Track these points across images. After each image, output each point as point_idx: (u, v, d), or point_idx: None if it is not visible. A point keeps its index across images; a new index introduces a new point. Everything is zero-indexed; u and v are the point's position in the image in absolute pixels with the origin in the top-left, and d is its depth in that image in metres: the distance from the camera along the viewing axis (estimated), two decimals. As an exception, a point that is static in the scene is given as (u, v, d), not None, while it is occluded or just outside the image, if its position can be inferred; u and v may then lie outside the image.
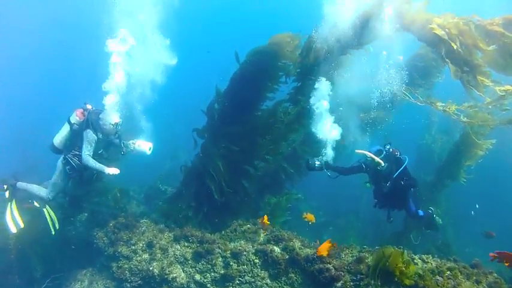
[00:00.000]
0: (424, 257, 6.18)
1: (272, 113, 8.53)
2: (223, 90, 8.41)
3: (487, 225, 10.56)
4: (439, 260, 6.05)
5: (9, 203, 7.13)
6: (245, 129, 8.39)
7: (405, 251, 5.65)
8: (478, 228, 10.27)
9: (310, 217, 7.71)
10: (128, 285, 6.79)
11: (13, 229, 6.97)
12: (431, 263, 5.94)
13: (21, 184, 7.22)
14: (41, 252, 8.24)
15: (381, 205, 7.61)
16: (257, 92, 8.32)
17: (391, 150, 7.32)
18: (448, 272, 5.44)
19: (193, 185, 8.47)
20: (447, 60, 6.78)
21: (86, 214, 8.69)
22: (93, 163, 6.55)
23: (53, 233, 7.41)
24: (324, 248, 5.99)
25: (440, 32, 6.61)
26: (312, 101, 7.91)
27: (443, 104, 7.78)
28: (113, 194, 8.75)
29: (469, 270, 5.55)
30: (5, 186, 7.15)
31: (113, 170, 6.60)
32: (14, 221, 7.05)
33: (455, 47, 6.50)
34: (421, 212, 7.72)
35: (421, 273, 5.30)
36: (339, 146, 10.59)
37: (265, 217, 7.38)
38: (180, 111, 26.81)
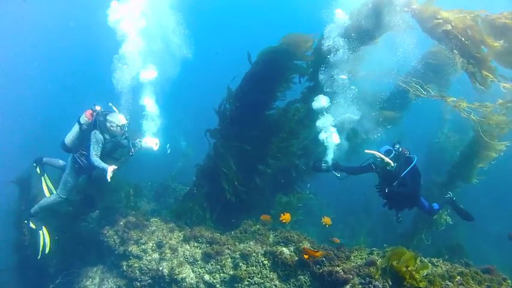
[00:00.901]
0: (434, 260, 6.11)
1: (284, 112, 8.52)
2: (235, 90, 8.40)
3: (500, 226, 10.45)
4: (449, 264, 5.96)
5: (41, 231, 7.48)
6: (257, 129, 8.41)
7: (419, 255, 5.58)
8: (491, 229, 10.15)
9: (327, 221, 7.78)
10: (138, 284, 6.86)
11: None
12: (441, 267, 5.87)
13: (34, 209, 7.43)
14: (54, 249, 8.40)
15: (390, 206, 7.52)
16: (269, 91, 8.32)
17: (400, 149, 7.21)
18: (459, 277, 5.35)
19: (205, 184, 8.51)
20: (455, 51, 6.75)
21: (98, 211, 8.83)
22: (98, 163, 6.61)
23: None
24: (311, 253, 6.06)
25: (447, 28, 6.55)
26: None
27: (454, 99, 7.71)
28: (126, 192, 8.85)
29: (481, 276, 5.39)
30: (25, 221, 7.59)
31: (110, 170, 6.48)
32: (44, 244, 7.47)
33: (463, 39, 6.44)
34: (436, 205, 7.63)
35: (431, 278, 5.24)
36: (352, 143, 10.66)
37: (288, 214, 7.46)
38: (190, 107, 26.89)
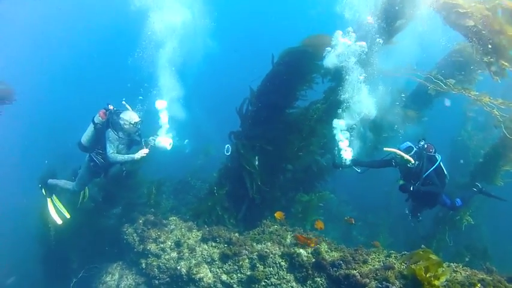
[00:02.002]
0: (453, 265, 5.96)
1: (304, 111, 8.48)
2: (256, 90, 8.42)
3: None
4: (469, 270, 5.79)
5: (49, 199, 7.80)
6: (278, 128, 8.41)
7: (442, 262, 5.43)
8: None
9: (351, 220, 8.03)
10: (157, 282, 7.01)
11: (59, 221, 7.63)
12: (461, 273, 5.68)
13: (51, 181, 7.82)
14: (78, 244, 8.65)
15: (412, 198, 7.38)
16: (290, 92, 8.32)
17: (425, 146, 7.04)
18: (479, 285, 5.19)
19: (226, 184, 8.56)
20: (474, 39, 6.70)
21: (119, 208, 9.03)
22: (120, 158, 6.90)
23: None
24: (303, 240, 6.55)
25: (469, 23, 6.45)
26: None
27: (476, 93, 7.53)
28: (149, 190, 9.01)
29: (505, 285, 5.10)
30: (40, 185, 7.84)
31: (141, 153, 6.92)
32: (59, 213, 7.74)
33: (479, 27, 6.41)
34: (458, 201, 7.48)
35: (450, 285, 5.11)
36: (374, 140, 10.54)
37: (319, 222, 7.55)
38: (212, 105, 26.89)
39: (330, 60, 7.51)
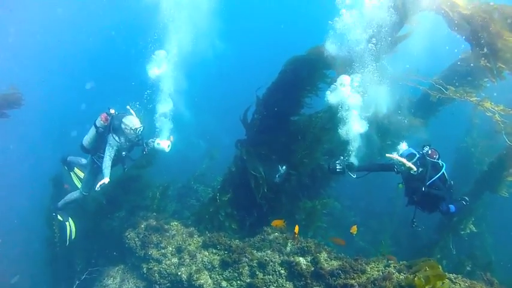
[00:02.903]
0: (452, 276, 5.90)
1: (309, 118, 8.50)
2: (261, 98, 8.45)
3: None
4: (469, 281, 5.75)
5: (67, 222, 8.27)
6: (283, 136, 8.44)
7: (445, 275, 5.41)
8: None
9: (353, 229, 7.89)
10: (157, 286, 7.08)
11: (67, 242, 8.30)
12: (460, 284, 5.64)
13: (60, 203, 8.12)
14: (82, 246, 8.77)
15: (412, 202, 7.33)
16: (296, 100, 8.35)
17: (429, 152, 6.97)
18: (479, 298, 5.16)
19: (229, 190, 8.60)
20: (473, 42, 6.74)
21: (123, 211, 9.12)
22: (105, 166, 7.01)
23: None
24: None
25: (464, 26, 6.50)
26: None
27: (478, 99, 7.50)
28: (153, 194, 9.09)
29: None
30: (54, 214, 8.32)
31: (103, 181, 6.94)
32: (70, 232, 8.29)
33: (477, 29, 6.48)
34: (452, 208, 7.44)
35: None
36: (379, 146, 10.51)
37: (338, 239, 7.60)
38: (217, 110, 26.89)
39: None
